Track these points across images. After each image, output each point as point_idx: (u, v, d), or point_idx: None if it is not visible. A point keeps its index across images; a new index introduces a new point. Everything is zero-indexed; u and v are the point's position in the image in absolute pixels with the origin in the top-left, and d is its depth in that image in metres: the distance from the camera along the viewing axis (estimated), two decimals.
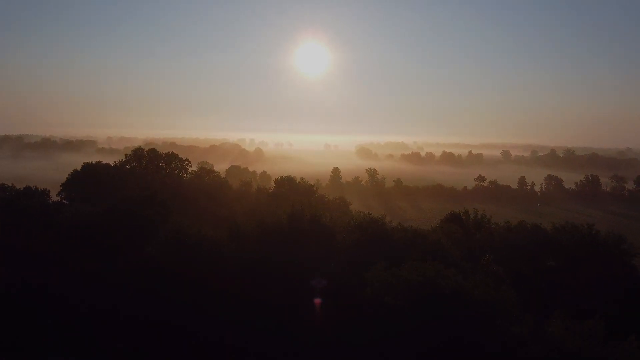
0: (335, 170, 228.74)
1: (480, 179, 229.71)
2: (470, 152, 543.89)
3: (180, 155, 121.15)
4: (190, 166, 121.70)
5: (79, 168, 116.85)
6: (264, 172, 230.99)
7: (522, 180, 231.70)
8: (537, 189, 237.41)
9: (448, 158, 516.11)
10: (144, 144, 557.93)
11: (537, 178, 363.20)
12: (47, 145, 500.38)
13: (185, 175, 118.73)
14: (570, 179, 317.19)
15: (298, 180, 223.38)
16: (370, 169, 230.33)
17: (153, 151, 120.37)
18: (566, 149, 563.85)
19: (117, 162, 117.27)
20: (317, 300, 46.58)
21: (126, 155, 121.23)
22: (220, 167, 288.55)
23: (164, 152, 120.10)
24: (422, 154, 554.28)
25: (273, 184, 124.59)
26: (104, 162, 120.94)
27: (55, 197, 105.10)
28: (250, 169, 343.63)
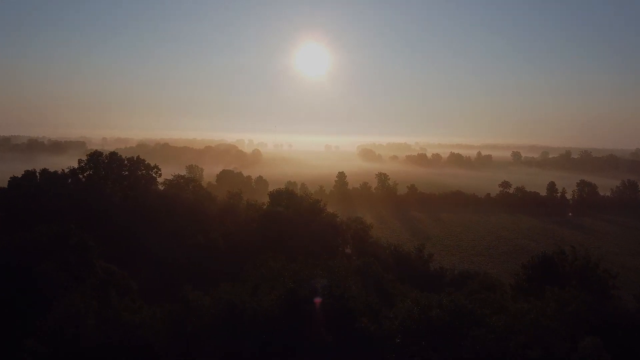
0: (341, 175, 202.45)
1: (505, 184, 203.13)
2: (479, 153, 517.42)
3: (149, 162, 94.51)
4: (160, 175, 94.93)
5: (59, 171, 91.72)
6: (260, 178, 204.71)
7: (551, 187, 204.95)
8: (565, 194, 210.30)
9: (456, 159, 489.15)
10: (137, 145, 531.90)
11: (555, 181, 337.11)
12: (33, 147, 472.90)
13: (154, 186, 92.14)
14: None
15: (299, 187, 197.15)
16: (380, 173, 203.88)
17: (114, 155, 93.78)
18: (580, 150, 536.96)
19: (65, 170, 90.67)
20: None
21: (80, 161, 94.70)
22: (214, 170, 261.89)
23: (127, 157, 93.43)
24: (425, 154, 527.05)
25: (270, 191, 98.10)
26: None
27: None
28: (247, 172, 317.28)
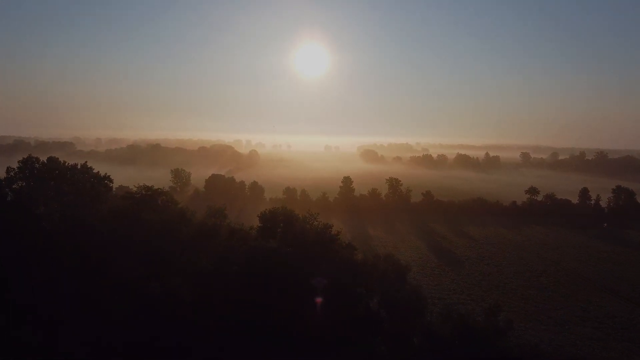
0: (347, 181, 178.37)
1: (532, 191, 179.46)
2: (486, 154, 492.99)
3: (98, 170, 70.25)
4: (111, 188, 70.65)
5: None
6: (254, 183, 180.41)
7: (584, 193, 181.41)
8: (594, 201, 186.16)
9: (463, 161, 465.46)
10: (127, 146, 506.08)
11: (572, 185, 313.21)
12: (17, 148, 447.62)
13: (104, 204, 67.97)
14: (606, 186, 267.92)
15: (299, 194, 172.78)
16: (391, 178, 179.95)
17: (52, 162, 69.74)
18: (585, 151, 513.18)
19: None
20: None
21: (8, 169, 70.68)
22: (207, 173, 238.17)
23: (70, 164, 69.34)
24: (431, 156, 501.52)
25: (261, 212, 73.97)
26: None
27: None
28: (242, 175, 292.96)
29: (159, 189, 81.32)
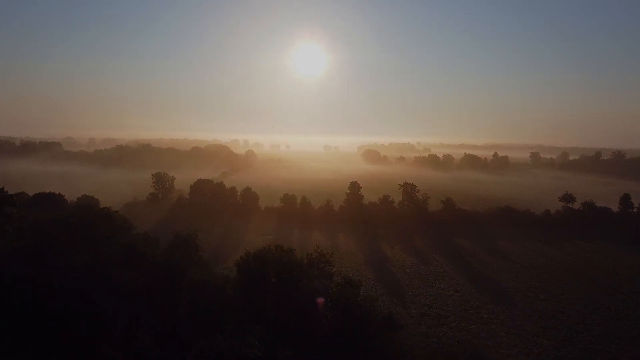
0: (354, 187, 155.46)
1: (567, 197, 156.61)
2: (495, 154, 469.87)
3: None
4: (9, 216, 47.36)
5: None
6: (247, 189, 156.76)
7: (625, 200, 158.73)
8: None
9: (471, 161, 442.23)
10: (116, 147, 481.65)
11: (592, 188, 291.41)
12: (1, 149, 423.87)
13: (4, 239, 44.91)
14: (622, 188, 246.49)
15: (299, 201, 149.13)
16: (405, 183, 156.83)
17: None
18: (601, 150, 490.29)
19: None
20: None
21: None
22: (198, 175, 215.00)
23: None
24: (437, 156, 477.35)
25: (239, 257, 50.91)
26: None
27: None
28: (237, 178, 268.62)
29: (105, 208, 58.37)
